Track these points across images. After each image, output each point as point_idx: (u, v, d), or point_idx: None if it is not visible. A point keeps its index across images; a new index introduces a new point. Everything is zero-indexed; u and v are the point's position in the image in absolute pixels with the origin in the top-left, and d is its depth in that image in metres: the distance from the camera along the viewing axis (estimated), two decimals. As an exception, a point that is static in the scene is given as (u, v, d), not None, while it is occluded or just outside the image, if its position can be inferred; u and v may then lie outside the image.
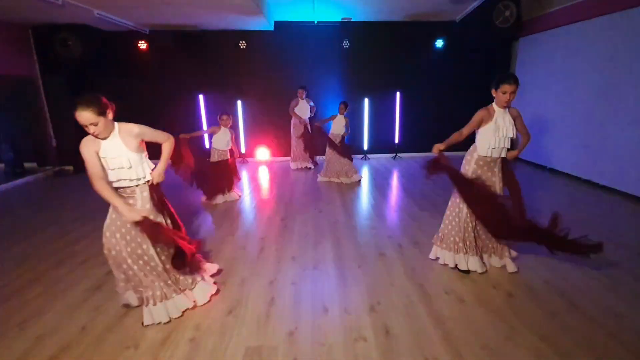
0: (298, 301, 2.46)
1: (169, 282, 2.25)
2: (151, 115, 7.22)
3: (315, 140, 6.23)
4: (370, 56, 7.23)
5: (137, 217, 1.96)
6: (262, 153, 7.59)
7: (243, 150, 7.55)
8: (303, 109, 6.52)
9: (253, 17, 5.73)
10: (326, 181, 5.71)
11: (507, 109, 2.59)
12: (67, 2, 4.61)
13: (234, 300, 2.49)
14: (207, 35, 6.82)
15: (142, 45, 6.66)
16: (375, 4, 5.80)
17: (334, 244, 3.38)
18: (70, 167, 6.82)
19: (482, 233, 2.76)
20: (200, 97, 7.20)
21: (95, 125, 1.89)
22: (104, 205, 2.08)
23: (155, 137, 2.22)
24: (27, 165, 6.64)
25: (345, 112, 5.51)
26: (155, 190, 2.27)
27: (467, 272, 2.76)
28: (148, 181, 2.19)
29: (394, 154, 7.76)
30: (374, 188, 5.38)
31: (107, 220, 2.13)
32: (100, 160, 1.98)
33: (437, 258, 2.95)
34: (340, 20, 6.84)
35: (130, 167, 2.05)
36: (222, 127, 4.64)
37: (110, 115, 1.98)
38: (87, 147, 1.96)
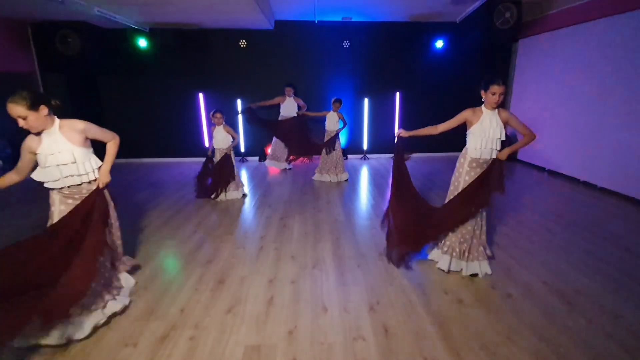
0: (297, 300, 2.46)
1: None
2: (151, 113, 7.23)
3: (303, 139, 6.18)
4: (370, 56, 7.23)
5: None
6: (262, 152, 7.58)
7: (242, 150, 7.54)
8: (289, 107, 6.49)
9: (253, 16, 5.72)
10: (319, 180, 5.72)
11: (496, 111, 2.60)
12: (67, -1, 4.60)
13: (234, 298, 2.49)
14: (208, 34, 6.80)
15: (142, 43, 6.64)
16: (375, 4, 5.80)
17: (333, 244, 3.38)
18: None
19: (469, 238, 2.75)
20: (201, 95, 7.19)
21: (24, 119, 1.91)
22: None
23: (100, 135, 2.22)
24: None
25: (339, 109, 5.52)
26: (100, 196, 2.19)
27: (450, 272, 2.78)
28: (96, 179, 2.22)
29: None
30: (373, 188, 5.38)
31: None
32: (29, 157, 2.03)
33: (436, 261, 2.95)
34: (340, 19, 6.83)
35: (75, 162, 2.07)
36: (217, 126, 4.64)
37: (43, 111, 1.95)
38: (25, 143, 2.02)
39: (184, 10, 5.45)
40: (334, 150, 5.61)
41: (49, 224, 2.15)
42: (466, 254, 2.73)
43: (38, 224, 2.40)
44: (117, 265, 2.48)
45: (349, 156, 7.64)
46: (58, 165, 2.03)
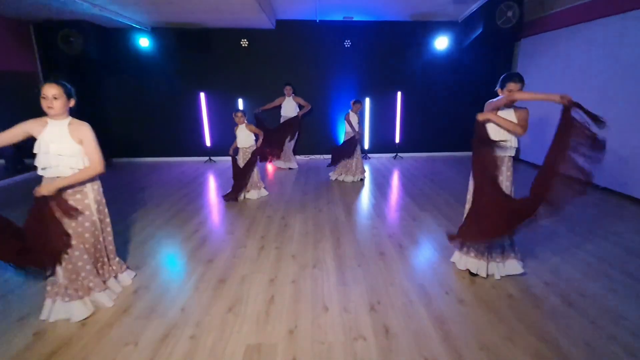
0: (298, 300, 2.47)
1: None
2: (152, 113, 7.24)
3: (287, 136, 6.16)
4: (371, 56, 7.22)
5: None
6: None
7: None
8: (289, 107, 6.50)
9: (254, 15, 5.72)
10: (339, 179, 5.68)
11: (512, 109, 2.59)
12: (69, -2, 4.61)
13: (234, 297, 2.49)
14: (209, 34, 6.81)
15: (144, 42, 6.65)
16: (377, 3, 5.79)
17: (334, 243, 3.38)
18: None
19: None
20: (202, 95, 7.20)
21: (56, 99, 2.07)
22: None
23: (91, 151, 2.19)
24: (27, 161, 6.64)
25: (359, 109, 5.47)
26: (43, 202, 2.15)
27: (476, 275, 2.74)
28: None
29: (395, 154, 7.76)
30: (374, 187, 5.38)
31: None
32: (18, 134, 2.11)
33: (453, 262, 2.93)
34: (342, 19, 6.83)
35: (72, 156, 2.13)
36: (238, 125, 4.65)
37: (70, 102, 2.16)
38: (25, 123, 2.13)
39: (185, 9, 5.46)
40: (356, 152, 5.56)
41: None
42: (499, 255, 2.69)
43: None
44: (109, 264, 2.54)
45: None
46: (57, 154, 2.11)
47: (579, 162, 2.25)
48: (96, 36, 6.21)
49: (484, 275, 2.69)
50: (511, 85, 2.49)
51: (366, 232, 3.65)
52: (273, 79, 7.10)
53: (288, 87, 6.46)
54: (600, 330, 2.14)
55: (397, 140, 7.71)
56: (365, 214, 4.22)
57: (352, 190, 5.21)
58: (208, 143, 7.45)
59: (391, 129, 7.64)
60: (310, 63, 7.19)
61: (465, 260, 2.77)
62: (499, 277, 2.70)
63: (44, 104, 2.07)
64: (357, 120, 5.50)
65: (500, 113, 2.57)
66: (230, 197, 4.64)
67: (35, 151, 2.12)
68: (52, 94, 2.06)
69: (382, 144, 7.75)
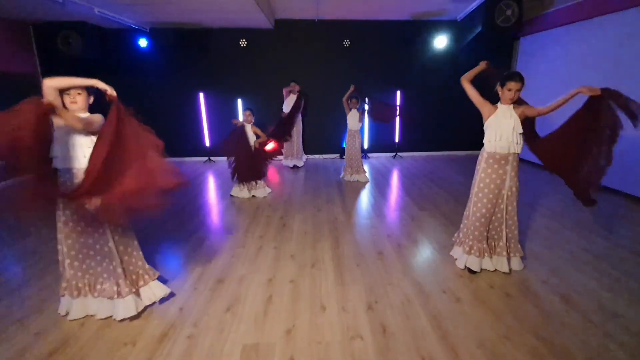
0: (296, 299, 2.47)
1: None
2: (151, 113, 7.24)
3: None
4: (370, 55, 7.21)
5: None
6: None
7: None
8: (291, 102, 6.53)
9: (253, 15, 5.72)
10: (347, 180, 5.67)
11: (511, 106, 2.59)
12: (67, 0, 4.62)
13: (232, 297, 2.50)
14: (208, 34, 6.81)
15: (143, 43, 6.65)
16: (376, 2, 5.79)
17: (332, 243, 3.38)
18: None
19: (495, 233, 2.76)
20: (201, 95, 7.20)
21: (79, 94, 2.13)
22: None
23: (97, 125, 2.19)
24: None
25: (356, 106, 5.48)
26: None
27: (475, 272, 2.76)
28: None
29: (394, 153, 7.76)
30: (373, 187, 5.38)
31: None
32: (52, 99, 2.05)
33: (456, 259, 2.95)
34: (340, 18, 6.82)
35: (83, 144, 2.12)
36: (245, 124, 4.68)
37: (90, 99, 2.21)
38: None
39: (184, 9, 5.46)
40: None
41: (58, 213, 2.19)
42: (497, 249, 2.73)
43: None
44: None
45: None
46: (72, 144, 2.11)
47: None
48: (95, 37, 6.21)
49: (488, 269, 2.71)
50: (511, 85, 2.50)
51: (365, 232, 3.65)
52: (272, 79, 7.11)
53: (293, 84, 6.53)
54: (597, 328, 2.14)
55: (397, 139, 7.70)
56: (365, 214, 4.23)
57: (352, 190, 5.22)
58: (207, 143, 7.46)
59: (391, 128, 7.64)
60: (309, 62, 7.19)
61: (466, 258, 2.78)
62: (507, 270, 2.72)
63: (67, 100, 2.11)
64: (359, 118, 5.51)
65: (500, 110, 2.58)
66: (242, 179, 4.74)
67: (56, 144, 2.10)
68: (76, 90, 2.11)
69: (381, 143, 7.75)
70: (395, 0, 5.73)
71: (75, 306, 2.24)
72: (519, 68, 6.94)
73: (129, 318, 2.21)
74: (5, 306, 2.45)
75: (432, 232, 3.60)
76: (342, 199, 4.75)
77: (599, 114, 2.33)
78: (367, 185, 5.46)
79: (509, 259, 2.75)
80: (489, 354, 1.94)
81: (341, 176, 5.81)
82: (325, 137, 7.60)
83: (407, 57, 7.25)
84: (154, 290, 2.35)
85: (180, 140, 7.48)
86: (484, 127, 2.67)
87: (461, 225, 2.93)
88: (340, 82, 7.30)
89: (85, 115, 2.18)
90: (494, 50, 7.09)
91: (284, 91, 6.67)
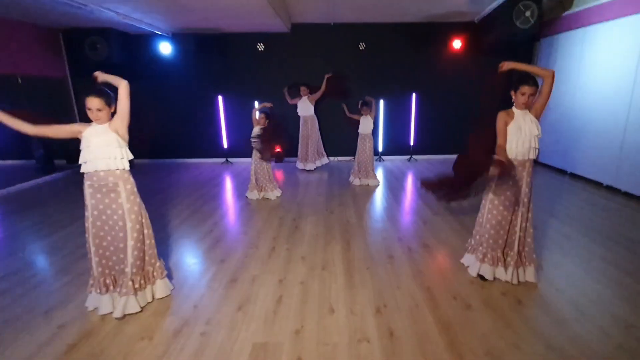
0: (305, 300, 2.53)
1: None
2: (172, 116, 7.48)
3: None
4: (386, 57, 7.21)
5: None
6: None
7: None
8: (305, 107, 6.62)
9: (269, 20, 5.83)
10: (357, 184, 5.65)
11: (527, 110, 2.56)
12: (94, 7, 4.85)
13: (244, 297, 2.58)
14: (227, 38, 6.99)
15: (165, 48, 6.89)
16: (392, 4, 5.79)
17: (343, 245, 3.42)
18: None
19: (511, 242, 2.71)
20: (220, 98, 7.38)
21: (100, 110, 2.20)
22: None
23: (124, 106, 2.36)
24: (57, 162, 7.01)
25: (368, 112, 5.49)
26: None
27: (487, 280, 2.73)
28: (124, 169, 2.35)
29: (409, 156, 7.71)
30: (387, 190, 5.38)
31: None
32: (69, 131, 2.25)
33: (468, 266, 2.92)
34: (356, 21, 6.85)
35: (108, 145, 2.24)
36: (257, 125, 4.84)
37: (112, 109, 2.28)
38: (74, 124, 2.29)
39: (203, 16, 5.63)
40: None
41: (86, 214, 2.31)
42: (511, 260, 2.67)
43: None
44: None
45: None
46: (97, 147, 2.23)
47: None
48: (120, 42, 6.49)
49: (501, 278, 2.68)
50: (525, 89, 2.45)
51: (376, 235, 3.67)
52: (288, 82, 7.19)
53: (304, 88, 6.59)
54: (608, 338, 2.10)
55: (412, 142, 7.66)
56: (377, 217, 4.24)
57: (365, 193, 5.23)
58: (225, 145, 7.63)
59: (406, 131, 7.60)
60: (325, 66, 7.24)
61: (479, 266, 2.75)
62: (515, 282, 2.67)
63: (90, 116, 2.22)
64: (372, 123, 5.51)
65: (517, 115, 2.54)
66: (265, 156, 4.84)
67: (81, 148, 2.26)
68: (96, 107, 2.19)
69: (396, 146, 7.72)
70: (411, 3, 5.72)
71: (104, 302, 2.35)
72: (539, 70, 6.77)
73: (135, 313, 2.35)
74: (32, 299, 2.61)
75: (445, 237, 3.58)
76: (355, 202, 4.77)
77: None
78: (380, 189, 5.46)
79: (523, 269, 2.70)
80: (496, 362, 1.94)
81: (350, 180, 5.79)
82: (340, 139, 7.62)
83: (423, 59, 7.20)
84: (159, 288, 2.53)
85: (199, 141, 7.69)
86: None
87: (474, 232, 2.91)
88: (356, 85, 7.34)
89: (107, 123, 2.30)
90: (512, 52, 6.94)
91: (286, 95, 6.80)
